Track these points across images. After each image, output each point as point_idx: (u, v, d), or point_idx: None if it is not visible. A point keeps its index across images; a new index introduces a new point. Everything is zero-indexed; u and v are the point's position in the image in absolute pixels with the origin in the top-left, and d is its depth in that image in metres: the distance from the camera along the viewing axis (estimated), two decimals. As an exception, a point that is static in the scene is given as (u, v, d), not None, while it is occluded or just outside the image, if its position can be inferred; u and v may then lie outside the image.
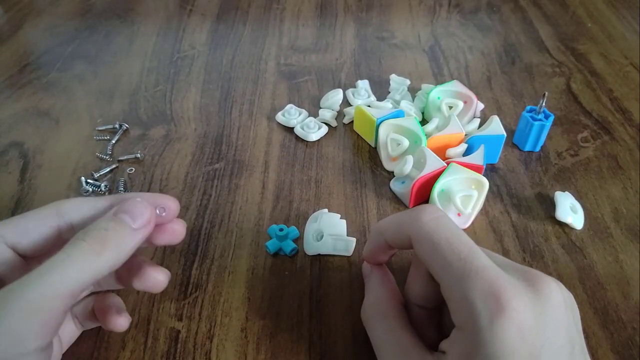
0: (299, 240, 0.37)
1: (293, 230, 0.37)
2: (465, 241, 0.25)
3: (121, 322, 0.29)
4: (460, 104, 0.45)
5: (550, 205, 0.39)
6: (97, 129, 0.47)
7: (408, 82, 0.51)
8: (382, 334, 0.28)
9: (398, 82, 0.51)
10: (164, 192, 0.41)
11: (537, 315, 0.22)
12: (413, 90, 0.51)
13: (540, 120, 0.42)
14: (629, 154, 0.44)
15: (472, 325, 0.22)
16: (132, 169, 0.43)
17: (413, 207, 0.40)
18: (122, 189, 0.41)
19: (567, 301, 0.24)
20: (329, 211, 0.39)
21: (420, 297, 0.29)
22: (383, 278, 0.31)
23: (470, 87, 0.50)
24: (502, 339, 0.21)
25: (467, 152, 0.41)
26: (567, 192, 0.40)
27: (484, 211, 0.39)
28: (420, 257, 0.26)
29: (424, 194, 0.39)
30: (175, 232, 0.28)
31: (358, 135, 0.46)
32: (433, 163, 0.38)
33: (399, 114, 0.44)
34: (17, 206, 0.40)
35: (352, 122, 0.47)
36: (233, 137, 0.46)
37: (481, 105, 0.48)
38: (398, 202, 0.40)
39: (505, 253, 0.36)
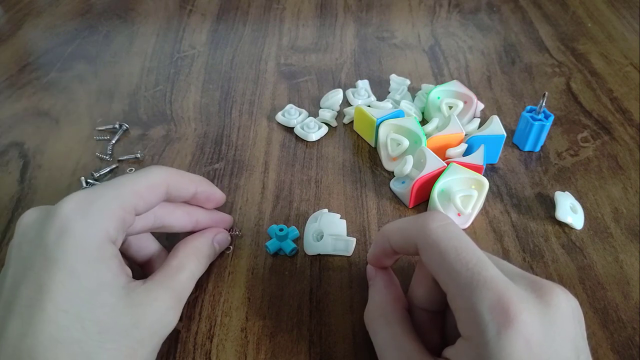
0: (299, 240, 0.37)
1: (293, 230, 0.37)
2: (474, 250, 0.24)
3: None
4: (460, 104, 0.45)
5: (550, 205, 0.39)
6: (97, 129, 0.47)
7: (408, 82, 0.51)
8: (385, 338, 0.27)
9: (398, 82, 0.51)
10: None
11: (545, 327, 0.22)
12: (413, 90, 0.51)
13: (540, 120, 0.42)
14: (629, 154, 0.44)
15: (479, 337, 0.22)
16: (132, 169, 0.43)
17: (413, 207, 0.40)
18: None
19: (575, 311, 0.24)
20: (329, 211, 0.39)
21: (424, 301, 0.29)
22: (387, 281, 0.31)
23: (470, 87, 0.50)
24: (509, 351, 0.21)
25: (467, 152, 0.41)
26: (567, 192, 0.40)
27: (484, 211, 0.39)
28: (426, 265, 0.26)
29: (424, 194, 0.39)
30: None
31: (358, 135, 0.46)
32: (433, 163, 0.38)
33: (399, 114, 0.44)
34: (17, 206, 0.40)
35: (352, 122, 0.47)
36: (233, 137, 0.46)
37: (481, 105, 0.48)
38: (398, 202, 0.40)
39: (505, 253, 0.36)
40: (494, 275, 0.23)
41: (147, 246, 0.33)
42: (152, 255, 0.33)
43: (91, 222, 0.26)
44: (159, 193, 0.30)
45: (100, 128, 0.47)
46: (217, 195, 0.35)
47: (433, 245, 0.25)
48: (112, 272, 0.26)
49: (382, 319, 0.28)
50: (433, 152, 0.39)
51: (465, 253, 0.24)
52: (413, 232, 0.26)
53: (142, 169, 0.30)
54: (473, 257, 0.24)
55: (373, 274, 0.32)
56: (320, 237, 0.36)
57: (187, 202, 0.34)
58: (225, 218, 0.37)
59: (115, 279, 0.26)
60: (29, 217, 0.27)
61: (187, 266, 0.30)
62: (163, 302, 0.27)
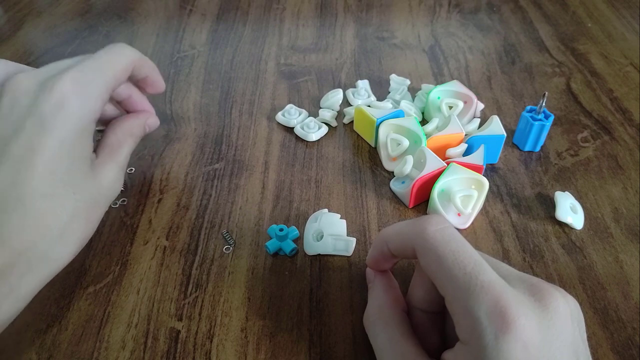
0: (299, 240, 0.37)
1: (293, 230, 0.37)
2: (471, 254, 0.24)
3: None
4: (460, 104, 0.45)
5: (550, 205, 0.39)
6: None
7: (408, 82, 0.51)
8: (385, 342, 0.27)
9: (398, 82, 0.51)
10: (163, 192, 0.41)
11: (543, 331, 0.22)
12: (413, 90, 0.51)
13: (540, 120, 0.42)
14: (629, 154, 0.44)
15: (477, 341, 0.22)
16: (132, 169, 0.43)
17: (413, 207, 0.40)
18: (122, 188, 0.41)
19: (574, 313, 0.24)
20: (329, 211, 0.39)
21: (423, 302, 0.28)
22: (386, 284, 0.31)
23: (470, 87, 0.50)
24: (507, 356, 0.21)
25: (467, 152, 0.41)
26: (567, 192, 0.40)
27: (484, 211, 0.39)
28: (424, 268, 0.26)
29: (424, 194, 0.39)
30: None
31: (358, 135, 0.46)
32: (433, 163, 0.38)
33: (399, 114, 0.44)
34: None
35: (352, 122, 0.47)
36: (233, 137, 0.46)
37: (481, 105, 0.48)
38: (398, 202, 0.40)
39: (505, 253, 0.36)
40: (492, 279, 0.23)
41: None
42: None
43: (85, 103, 0.31)
44: (128, 74, 0.35)
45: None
46: (160, 83, 0.39)
47: (431, 249, 0.25)
48: (90, 146, 0.32)
49: (380, 322, 0.28)
50: (433, 152, 0.39)
51: (462, 257, 0.24)
52: (411, 236, 0.26)
53: (110, 47, 0.34)
54: (470, 261, 0.24)
55: (372, 277, 0.32)
56: (320, 237, 0.36)
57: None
58: (152, 110, 0.40)
59: (90, 152, 0.32)
60: (20, 85, 0.30)
61: (126, 144, 0.36)
62: (113, 174, 0.34)
